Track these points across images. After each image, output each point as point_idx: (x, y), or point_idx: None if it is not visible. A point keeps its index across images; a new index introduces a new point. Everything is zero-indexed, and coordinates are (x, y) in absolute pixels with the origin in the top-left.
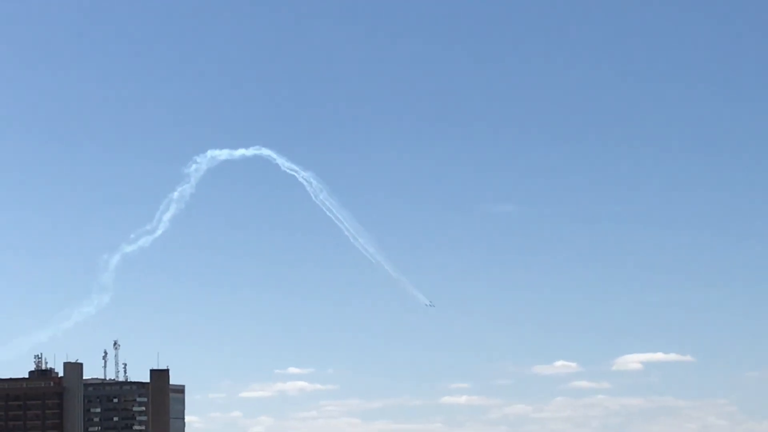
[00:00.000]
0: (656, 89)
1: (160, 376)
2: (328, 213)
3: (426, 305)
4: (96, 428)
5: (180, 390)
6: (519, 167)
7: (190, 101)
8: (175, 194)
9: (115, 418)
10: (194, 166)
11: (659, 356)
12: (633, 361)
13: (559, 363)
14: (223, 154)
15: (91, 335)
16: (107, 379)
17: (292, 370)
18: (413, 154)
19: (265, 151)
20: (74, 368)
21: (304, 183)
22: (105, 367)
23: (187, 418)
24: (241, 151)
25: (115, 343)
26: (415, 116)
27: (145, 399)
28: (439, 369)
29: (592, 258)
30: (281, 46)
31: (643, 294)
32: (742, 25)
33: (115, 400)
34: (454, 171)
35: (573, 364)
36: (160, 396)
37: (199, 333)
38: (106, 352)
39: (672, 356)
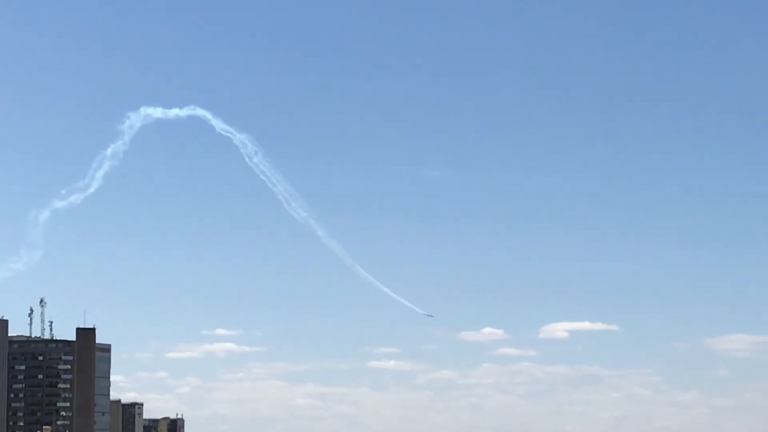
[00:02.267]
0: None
1: (86, 334)
2: (261, 176)
3: (425, 315)
4: (20, 386)
5: (106, 349)
6: (451, 132)
7: (125, 59)
8: (109, 151)
9: (40, 376)
10: (127, 122)
11: (585, 325)
12: (559, 329)
13: (487, 330)
14: (157, 112)
15: (17, 292)
16: (33, 336)
17: (220, 331)
18: (349, 118)
19: (200, 112)
20: None
21: (239, 145)
22: (31, 324)
23: (112, 378)
24: (175, 111)
25: (41, 301)
26: (351, 78)
27: (71, 357)
28: (367, 334)
29: (522, 226)
30: (220, 10)
31: (571, 263)
32: None
33: (41, 358)
34: (388, 135)
35: (500, 331)
36: (86, 355)
37: (127, 292)
38: (32, 310)
39: (598, 325)
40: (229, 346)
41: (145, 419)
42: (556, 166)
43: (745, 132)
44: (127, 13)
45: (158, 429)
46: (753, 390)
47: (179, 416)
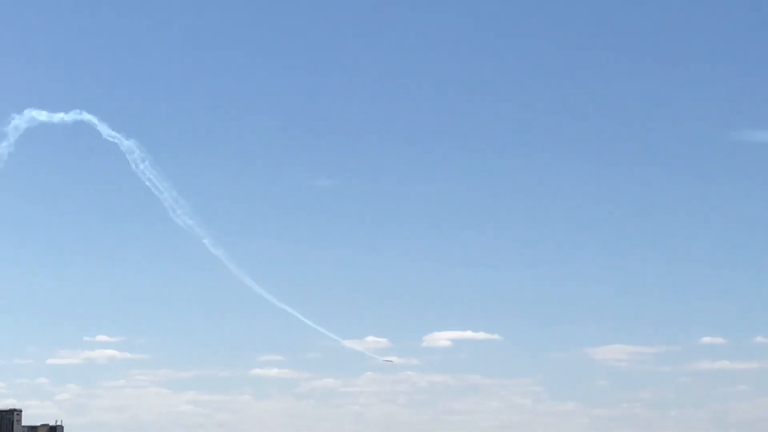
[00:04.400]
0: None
1: None
2: (147, 183)
3: (385, 361)
4: None
5: None
6: (338, 143)
7: (10, 59)
8: None
9: None
10: (12, 123)
11: (468, 334)
12: (442, 338)
13: (370, 338)
14: (42, 115)
15: None
16: None
17: (102, 338)
18: (240, 125)
19: (87, 116)
20: None
21: (126, 151)
22: None
23: None
24: (60, 115)
25: None
26: (242, 85)
27: None
28: (250, 341)
29: (406, 234)
30: (112, 12)
31: (454, 272)
32: None
33: None
34: (277, 144)
35: (383, 340)
36: None
37: (6, 297)
38: None
39: (480, 335)
40: (111, 352)
41: (24, 426)
42: (439, 173)
43: (596, 138)
44: (14, 13)
45: None
46: (632, 400)
47: (59, 423)
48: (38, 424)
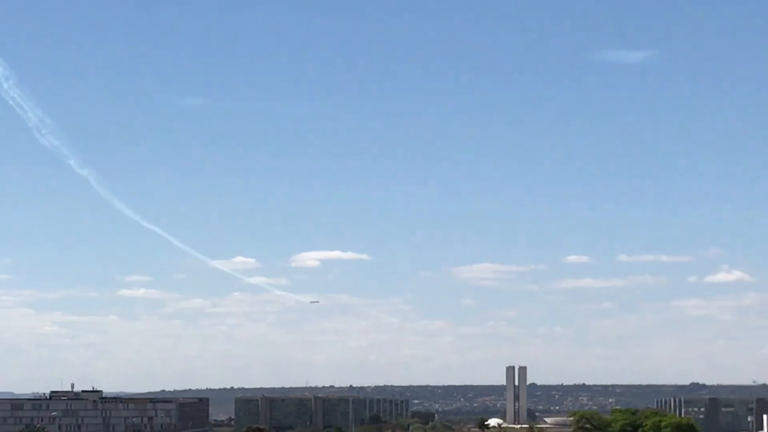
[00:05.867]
0: None
1: None
2: (10, 102)
3: (311, 302)
4: None
5: None
6: (205, 62)
7: None
8: None
9: None
10: None
11: (336, 254)
12: (310, 258)
13: (238, 259)
14: None
15: None
16: None
17: None
18: (108, 47)
19: None
20: None
21: None
22: None
23: None
24: None
25: None
26: (110, 14)
27: None
28: (117, 262)
29: (273, 154)
30: None
31: (321, 193)
32: None
33: None
34: (145, 65)
35: (251, 260)
36: None
37: None
38: None
39: (348, 255)
40: None
41: None
42: (310, 94)
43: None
44: None
45: None
46: (498, 318)
47: None
48: None
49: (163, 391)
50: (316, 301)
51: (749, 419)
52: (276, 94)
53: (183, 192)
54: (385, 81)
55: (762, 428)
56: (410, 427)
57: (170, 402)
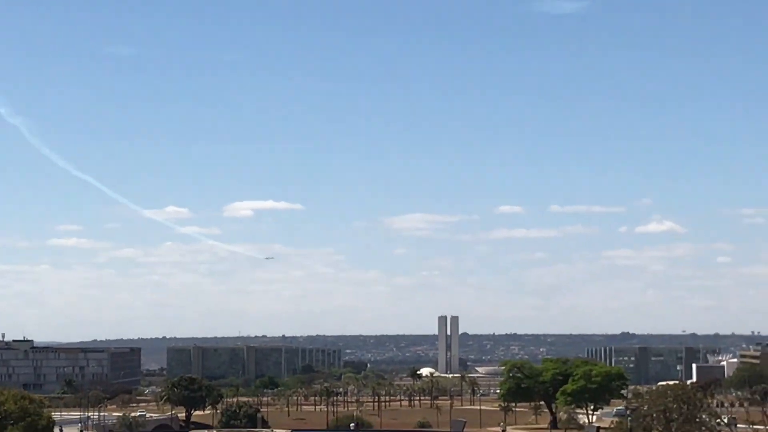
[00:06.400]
0: None
1: None
2: None
3: (266, 258)
4: None
5: None
6: (136, 11)
7: None
8: None
9: None
10: None
11: (269, 204)
12: (243, 208)
13: (170, 208)
14: None
15: None
16: None
17: None
18: None
19: None
20: None
21: None
22: None
23: None
24: None
25: None
26: None
27: None
28: (48, 211)
29: (206, 104)
30: None
31: (254, 143)
32: None
33: None
34: (74, 13)
35: (184, 210)
36: None
37: None
38: None
39: (282, 204)
40: None
41: None
42: (245, 43)
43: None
44: None
45: None
46: (431, 268)
47: None
48: None
49: (95, 341)
50: (272, 258)
51: (678, 368)
52: (210, 43)
53: (115, 141)
54: (312, 22)
55: (691, 377)
56: (342, 377)
57: (102, 351)
